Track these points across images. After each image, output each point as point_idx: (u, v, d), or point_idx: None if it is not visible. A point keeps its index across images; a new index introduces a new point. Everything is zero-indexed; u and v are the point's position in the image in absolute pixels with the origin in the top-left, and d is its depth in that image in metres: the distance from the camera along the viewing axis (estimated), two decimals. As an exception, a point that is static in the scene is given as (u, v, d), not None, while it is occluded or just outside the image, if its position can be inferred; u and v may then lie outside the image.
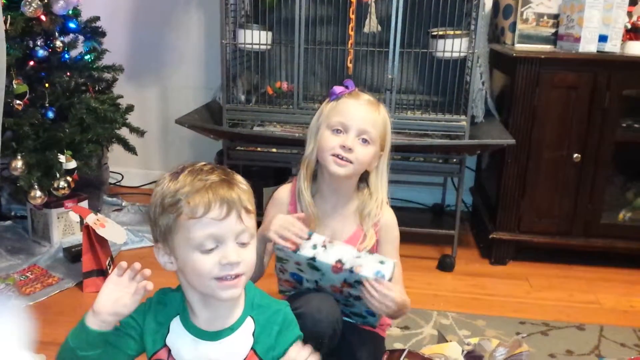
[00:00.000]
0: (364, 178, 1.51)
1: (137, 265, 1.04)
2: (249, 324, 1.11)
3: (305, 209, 1.49)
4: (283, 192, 1.56)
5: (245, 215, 1.02)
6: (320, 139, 1.45)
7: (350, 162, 1.42)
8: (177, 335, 1.09)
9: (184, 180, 1.02)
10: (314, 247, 1.35)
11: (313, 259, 1.34)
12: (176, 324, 1.10)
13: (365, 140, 1.42)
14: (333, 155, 1.42)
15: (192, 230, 0.99)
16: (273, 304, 1.15)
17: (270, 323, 1.12)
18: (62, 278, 2.09)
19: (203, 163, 1.08)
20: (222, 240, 1.01)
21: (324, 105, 1.48)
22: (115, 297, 1.02)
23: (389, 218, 1.52)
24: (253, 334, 1.11)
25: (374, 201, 1.49)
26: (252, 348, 1.11)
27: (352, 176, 1.48)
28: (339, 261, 1.33)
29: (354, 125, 1.41)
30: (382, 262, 1.35)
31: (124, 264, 1.04)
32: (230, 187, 1.02)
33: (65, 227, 2.37)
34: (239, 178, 1.07)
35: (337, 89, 1.46)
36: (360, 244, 1.49)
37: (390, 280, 1.33)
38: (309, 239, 1.36)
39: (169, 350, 1.09)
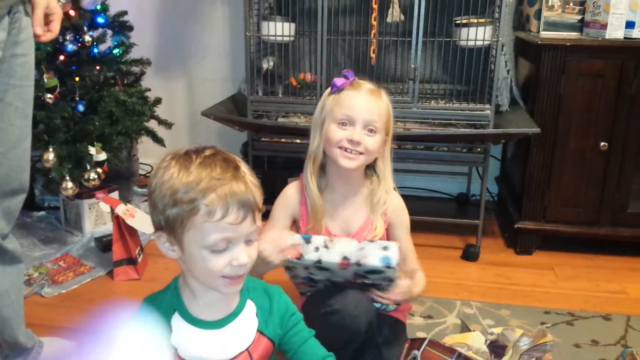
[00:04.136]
0: (370, 165, 1.52)
1: None
2: (250, 307, 1.12)
3: (312, 202, 1.50)
4: (291, 190, 1.56)
5: (257, 216, 1.02)
6: (327, 133, 1.45)
7: (360, 154, 1.43)
8: (181, 332, 1.08)
9: (197, 174, 0.97)
10: (316, 249, 1.35)
11: (319, 261, 1.34)
12: (177, 321, 1.08)
13: (371, 130, 1.43)
14: (341, 148, 1.42)
15: (206, 232, 0.97)
16: (265, 286, 1.17)
17: (272, 303, 1.13)
18: (94, 267, 2.15)
19: (208, 150, 1.03)
20: (234, 242, 1.00)
21: (325, 97, 1.48)
22: None
23: (397, 203, 1.54)
24: (256, 316, 1.12)
25: (382, 188, 1.51)
26: (258, 330, 1.11)
27: (362, 166, 1.49)
28: (345, 258, 1.33)
29: (360, 118, 1.42)
30: (385, 248, 1.35)
31: None
32: (245, 184, 0.99)
33: (97, 217, 2.43)
34: (247, 170, 1.03)
35: (338, 81, 1.46)
36: (369, 232, 1.50)
37: (397, 263, 1.34)
38: (309, 242, 1.36)
39: (175, 350, 1.07)
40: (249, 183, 1.01)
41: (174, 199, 0.98)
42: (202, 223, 0.97)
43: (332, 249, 1.35)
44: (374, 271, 1.36)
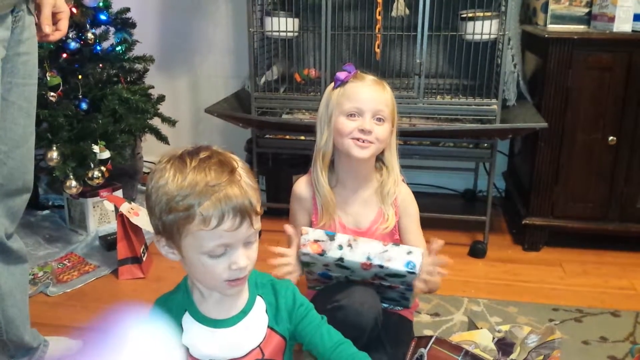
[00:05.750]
0: (378, 157, 1.53)
1: None
2: (260, 304, 1.12)
3: (324, 199, 1.50)
4: (302, 186, 1.56)
5: (255, 219, 1.00)
6: (337, 126, 1.46)
7: (372, 143, 1.44)
8: (192, 331, 1.08)
9: (191, 180, 0.96)
10: (340, 247, 1.35)
11: (341, 259, 1.34)
12: (188, 321, 1.09)
13: (380, 119, 1.45)
14: (352, 139, 1.43)
15: (203, 239, 0.97)
16: (273, 282, 1.16)
17: (279, 299, 1.12)
18: (98, 265, 2.15)
19: (203, 152, 1.01)
20: (232, 246, 0.99)
21: (329, 93, 1.49)
22: None
23: (405, 193, 1.55)
24: (266, 312, 1.11)
25: (391, 179, 1.51)
26: (269, 326, 1.11)
27: (373, 157, 1.49)
28: (368, 258, 1.33)
29: (368, 108, 1.43)
30: (410, 253, 1.35)
31: None
32: (240, 188, 0.97)
33: (101, 215, 2.42)
34: (243, 171, 1.01)
35: (342, 74, 1.47)
36: (382, 224, 1.50)
37: (419, 269, 1.33)
38: (332, 239, 1.36)
39: (187, 349, 1.08)
40: (245, 186, 0.98)
41: (170, 206, 0.97)
42: (197, 231, 0.96)
43: (356, 249, 1.34)
44: (395, 275, 1.35)
